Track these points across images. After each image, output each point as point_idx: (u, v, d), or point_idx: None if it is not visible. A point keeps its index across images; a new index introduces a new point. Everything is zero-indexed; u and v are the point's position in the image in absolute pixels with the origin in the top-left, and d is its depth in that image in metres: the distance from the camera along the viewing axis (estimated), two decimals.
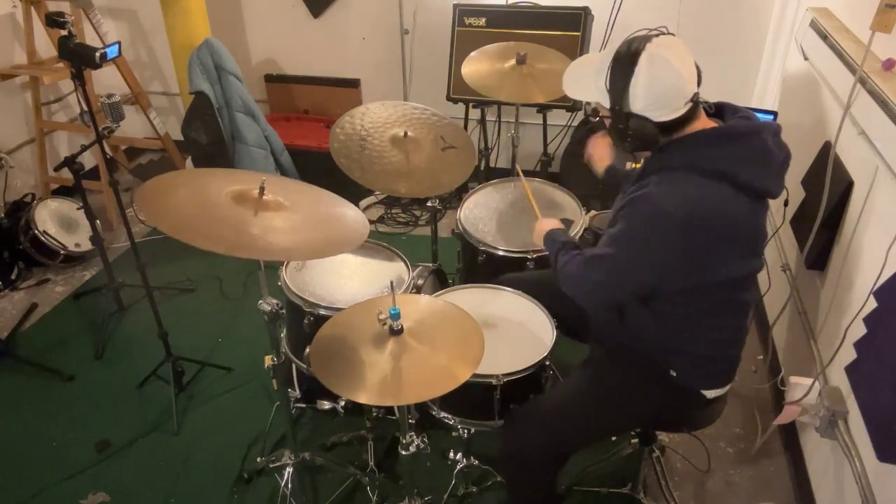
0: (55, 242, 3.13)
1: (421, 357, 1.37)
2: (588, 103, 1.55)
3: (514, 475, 1.70)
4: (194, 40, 3.35)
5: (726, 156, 1.36)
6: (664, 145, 1.41)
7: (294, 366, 2.10)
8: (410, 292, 1.98)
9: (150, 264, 2.47)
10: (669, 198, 1.35)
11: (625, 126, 1.39)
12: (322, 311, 1.89)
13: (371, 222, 3.63)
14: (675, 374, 1.55)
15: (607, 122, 1.46)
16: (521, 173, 2.24)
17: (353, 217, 1.58)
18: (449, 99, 3.37)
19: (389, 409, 2.13)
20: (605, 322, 1.67)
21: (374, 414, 2.12)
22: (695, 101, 1.38)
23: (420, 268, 2.12)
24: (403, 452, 1.55)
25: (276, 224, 1.41)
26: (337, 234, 1.52)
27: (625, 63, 1.35)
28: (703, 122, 1.41)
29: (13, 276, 3.15)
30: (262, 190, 1.43)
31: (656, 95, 1.35)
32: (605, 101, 1.42)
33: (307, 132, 3.75)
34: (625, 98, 1.36)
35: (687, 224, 1.34)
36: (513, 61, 2.38)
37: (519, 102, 2.55)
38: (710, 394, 1.59)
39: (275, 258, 1.57)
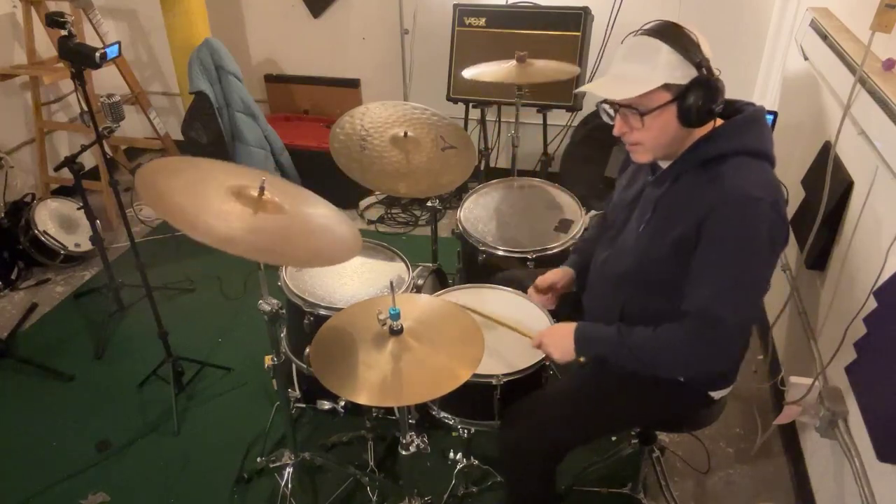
0: (55, 242, 3.13)
1: (421, 357, 1.37)
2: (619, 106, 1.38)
3: (511, 470, 1.69)
4: (194, 40, 3.35)
5: (762, 137, 1.37)
6: (701, 139, 1.37)
7: (294, 366, 2.10)
8: (410, 292, 1.98)
9: (150, 264, 2.47)
10: (748, 184, 1.30)
11: (715, 86, 1.29)
12: (322, 311, 1.89)
13: (371, 222, 3.64)
14: (682, 378, 1.54)
15: (661, 110, 1.32)
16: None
17: (346, 232, 1.54)
18: (449, 99, 3.38)
19: (389, 410, 2.13)
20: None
21: (374, 414, 2.12)
22: None
23: (420, 268, 2.12)
24: (403, 452, 1.55)
25: (270, 226, 1.39)
26: (327, 247, 1.49)
27: (677, 34, 1.30)
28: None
29: (13, 276, 3.15)
30: (261, 190, 1.43)
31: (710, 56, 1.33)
32: (685, 73, 1.30)
33: (307, 132, 3.75)
34: (704, 58, 1.30)
35: (776, 206, 1.30)
36: (513, 61, 2.38)
37: (519, 102, 2.55)
38: (716, 395, 1.59)
39: (263, 260, 1.51)
